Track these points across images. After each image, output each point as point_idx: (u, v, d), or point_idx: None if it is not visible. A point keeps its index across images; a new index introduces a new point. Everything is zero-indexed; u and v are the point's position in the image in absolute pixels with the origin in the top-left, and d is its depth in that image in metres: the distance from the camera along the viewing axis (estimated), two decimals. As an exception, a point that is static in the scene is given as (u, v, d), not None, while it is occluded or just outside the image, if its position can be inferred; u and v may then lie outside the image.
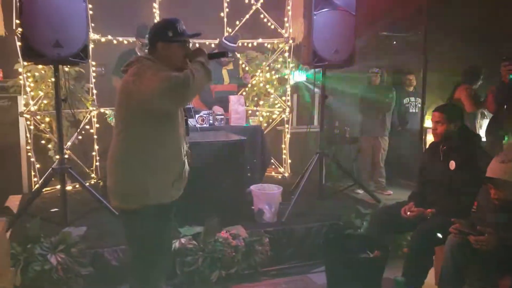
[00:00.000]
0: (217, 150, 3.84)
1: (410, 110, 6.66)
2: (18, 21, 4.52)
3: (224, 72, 5.31)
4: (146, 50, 4.73)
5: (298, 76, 6.25)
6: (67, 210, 3.79)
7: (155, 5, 5.55)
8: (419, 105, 6.56)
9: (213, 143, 3.88)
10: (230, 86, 5.36)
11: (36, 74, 4.92)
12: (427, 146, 4.32)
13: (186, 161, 2.53)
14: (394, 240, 3.85)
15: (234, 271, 3.58)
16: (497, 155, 2.97)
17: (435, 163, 3.54)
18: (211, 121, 4.58)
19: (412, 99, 6.66)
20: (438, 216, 3.27)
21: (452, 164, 3.37)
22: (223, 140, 3.95)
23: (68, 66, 4.76)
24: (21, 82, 4.85)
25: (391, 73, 6.89)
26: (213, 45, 5.70)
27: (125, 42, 5.50)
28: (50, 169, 3.74)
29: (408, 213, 3.39)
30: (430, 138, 5.12)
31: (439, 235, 3.14)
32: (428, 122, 5.70)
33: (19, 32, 4.51)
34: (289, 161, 6.00)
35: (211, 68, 2.40)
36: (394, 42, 7.18)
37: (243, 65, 5.99)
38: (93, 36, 5.29)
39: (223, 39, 5.28)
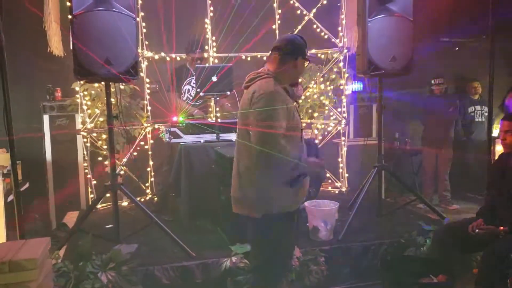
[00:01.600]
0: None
1: (476, 119, 6.35)
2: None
3: None
4: (197, 65, 4.74)
5: (355, 86, 6.03)
6: (119, 226, 3.78)
7: (207, 20, 5.55)
8: (486, 114, 6.18)
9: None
10: None
11: (93, 92, 5.03)
12: (495, 158, 3.99)
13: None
14: (461, 261, 3.52)
15: (288, 292, 3.42)
16: None
17: (505, 176, 3.25)
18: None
19: (478, 107, 6.34)
20: (512, 234, 2.97)
21: (526, 178, 3.07)
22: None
23: (123, 84, 4.84)
24: (78, 100, 4.97)
25: (454, 80, 6.54)
26: (264, 58, 5.60)
27: (178, 58, 5.52)
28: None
29: (477, 230, 3.11)
30: (499, 149, 4.75)
31: (515, 256, 2.85)
32: (496, 132, 5.34)
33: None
34: (346, 175, 5.76)
35: None
36: (457, 48, 6.81)
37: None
38: (146, 53, 5.35)
39: None
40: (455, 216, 5.11)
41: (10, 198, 3.95)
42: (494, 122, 5.80)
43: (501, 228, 3.03)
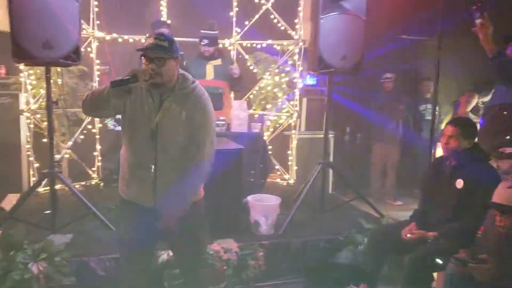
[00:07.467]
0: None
1: (426, 117, 6.45)
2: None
3: (209, 67, 4.89)
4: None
5: (309, 80, 6.03)
6: (56, 214, 3.68)
7: (163, 2, 5.43)
8: (436, 112, 6.33)
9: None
10: (216, 82, 4.88)
11: (38, 71, 4.84)
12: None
13: (150, 167, 2.45)
14: (394, 263, 3.62)
15: (223, 286, 3.44)
16: (505, 180, 2.77)
17: (440, 180, 3.32)
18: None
19: (429, 106, 6.45)
20: (440, 239, 3.06)
21: (460, 183, 3.15)
22: (219, 149, 3.71)
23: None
24: (23, 79, 4.78)
25: (406, 78, 6.64)
26: (220, 45, 5.48)
27: (131, 40, 5.37)
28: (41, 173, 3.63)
29: (408, 235, 3.19)
30: (440, 152, 4.89)
31: (439, 260, 2.95)
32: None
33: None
34: (295, 167, 5.80)
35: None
36: (407, 37, 6.88)
37: (251, 67, 5.79)
38: (97, 34, 5.18)
39: (200, 31, 4.92)
40: (399, 212, 5.24)
41: None
42: (443, 121, 5.98)
43: (431, 233, 3.11)
